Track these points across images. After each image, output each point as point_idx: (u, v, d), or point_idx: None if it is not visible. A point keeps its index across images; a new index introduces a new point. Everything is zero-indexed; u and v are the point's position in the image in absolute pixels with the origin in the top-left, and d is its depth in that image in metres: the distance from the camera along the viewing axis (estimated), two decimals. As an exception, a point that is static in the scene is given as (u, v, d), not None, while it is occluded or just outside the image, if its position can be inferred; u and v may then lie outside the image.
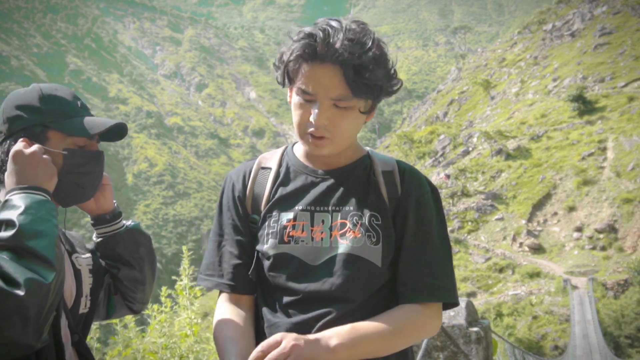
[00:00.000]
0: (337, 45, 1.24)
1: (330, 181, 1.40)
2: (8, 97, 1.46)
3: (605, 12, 69.93)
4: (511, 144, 50.62)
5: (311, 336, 1.20)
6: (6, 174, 1.34)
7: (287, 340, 1.14)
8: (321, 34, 1.25)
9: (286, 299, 1.34)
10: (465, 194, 46.40)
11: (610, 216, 37.09)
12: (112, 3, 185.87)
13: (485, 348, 2.92)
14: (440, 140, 63.86)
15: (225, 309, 1.40)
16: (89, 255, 1.60)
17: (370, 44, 1.26)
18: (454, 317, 3.77)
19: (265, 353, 1.12)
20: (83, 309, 1.52)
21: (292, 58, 1.28)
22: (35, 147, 1.34)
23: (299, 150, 1.47)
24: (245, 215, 1.44)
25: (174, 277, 3.26)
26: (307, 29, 1.29)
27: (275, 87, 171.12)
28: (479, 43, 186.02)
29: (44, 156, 1.34)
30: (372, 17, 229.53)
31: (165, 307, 3.29)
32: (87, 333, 1.58)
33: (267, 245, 1.37)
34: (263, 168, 1.47)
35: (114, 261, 1.61)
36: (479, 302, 31.38)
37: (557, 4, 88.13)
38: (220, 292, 1.44)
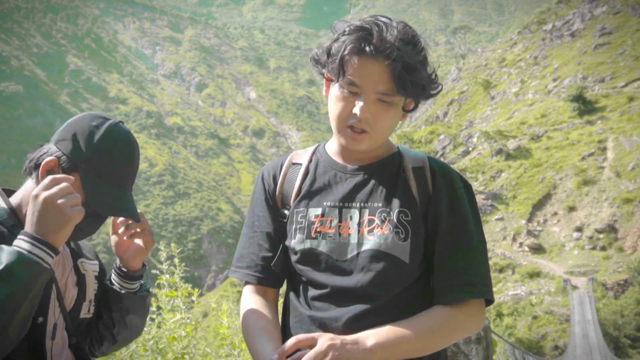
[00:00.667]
0: (392, 41, 1.26)
1: (359, 177, 1.40)
2: (81, 116, 1.43)
3: (605, 12, 69.91)
4: (511, 144, 50.62)
5: (348, 337, 1.20)
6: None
7: (324, 339, 1.15)
8: (376, 27, 1.27)
9: (314, 293, 1.35)
10: (465, 194, 46.39)
11: (610, 216, 37.08)
12: (112, 3, 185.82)
13: (485, 348, 2.91)
14: (440, 140, 63.87)
15: (252, 300, 1.42)
16: (96, 262, 1.59)
17: (419, 45, 1.30)
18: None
19: (300, 344, 1.14)
20: (85, 313, 1.51)
21: (347, 51, 1.27)
22: (55, 189, 1.22)
23: (331, 147, 1.48)
24: (275, 209, 1.46)
25: (153, 271, 3.10)
26: (358, 23, 1.30)
27: (275, 87, 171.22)
28: (479, 43, 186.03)
29: (61, 201, 1.22)
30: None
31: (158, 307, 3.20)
32: (88, 337, 1.57)
33: (294, 240, 1.39)
34: (294, 164, 1.49)
35: (103, 308, 1.57)
36: (479, 302, 31.34)
37: (557, 4, 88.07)
38: (246, 283, 1.46)
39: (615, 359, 22.18)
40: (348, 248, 1.34)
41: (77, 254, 1.53)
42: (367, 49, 1.26)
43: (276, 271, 1.42)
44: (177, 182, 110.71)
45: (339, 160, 1.44)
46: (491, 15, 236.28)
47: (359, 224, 1.35)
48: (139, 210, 1.52)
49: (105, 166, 1.39)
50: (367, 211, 1.36)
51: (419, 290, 1.36)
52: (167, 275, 3.17)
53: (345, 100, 1.31)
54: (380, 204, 1.36)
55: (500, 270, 36.57)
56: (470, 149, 56.59)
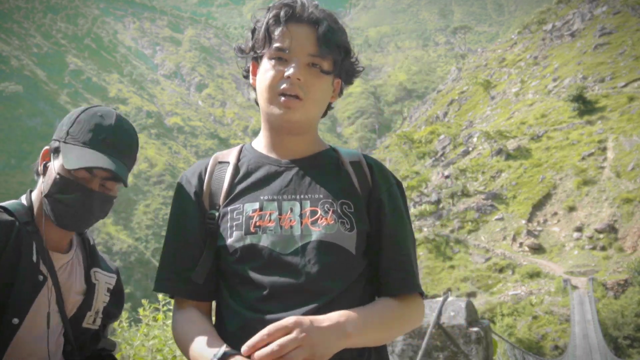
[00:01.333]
0: (313, 9, 1.32)
1: (295, 170, 1.35)
2: (82, 108, 1.48)
3: (605, 12, 69.92)
4: (511, 144, 50.62)
5: (324, 320, 1.14)
6: None
7: (300, 329, 1.09)
8: (298, 1, 1.32)
9: (258, 295, 1.24)
10: (465, 194, 46.42)
11: (610, 216, 37.08)
12: (112, 3, 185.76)
13: (485, 348, 2.91)
14: (440, 140, 63.89)
15: (185, 312, 1.31)
16: (113, 275, 1.59)
17: (338, 20, 1.36)
18: (454, 317, 3.74)
19: (271, 337, 1.07)
20: (90, 324, 1.49)
21: (271, 18, 1.31)
22: None
23: (259, 144, 1.42)
24: (202, 213, 1.35)
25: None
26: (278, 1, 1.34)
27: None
28: (479, 43, 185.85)
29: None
30: (372, 17, 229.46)
31: (162, 307, 3.20)
32: (90, 347, 1.54)
33: (231, 238, 1.28)
34: (220, 162, 1.41)
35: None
36: (479, 302, 31.37)
37: (557, 4, 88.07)
38: (176, 298, 1.35)
39: (615, 359, 22.16)
40: (291, 240, 1.26)
41: (92, 263, 1.53)
42: (291, 16, 1.30)
43: (210, 283, 1.31)
44: (177, 182, 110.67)
45: (271, 155, 1.38)
46: (491, 15, 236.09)
47: (301, 216, 1.29)
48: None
49: (81, 134, 1.40)
50: (308, 202, 1.30)
51: (362, 285, 1.31)
52: None
53: (275, 69, 1.29)
54: (321, 195, 1.31)
55: (500, 270, 36.56)
56: (470, 149, 56.59)
